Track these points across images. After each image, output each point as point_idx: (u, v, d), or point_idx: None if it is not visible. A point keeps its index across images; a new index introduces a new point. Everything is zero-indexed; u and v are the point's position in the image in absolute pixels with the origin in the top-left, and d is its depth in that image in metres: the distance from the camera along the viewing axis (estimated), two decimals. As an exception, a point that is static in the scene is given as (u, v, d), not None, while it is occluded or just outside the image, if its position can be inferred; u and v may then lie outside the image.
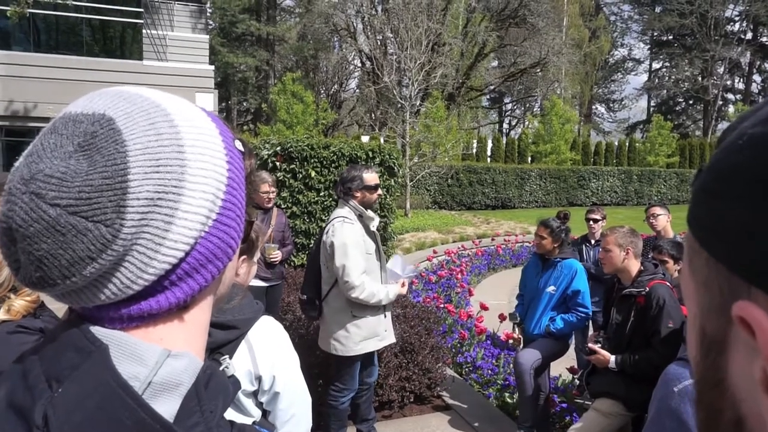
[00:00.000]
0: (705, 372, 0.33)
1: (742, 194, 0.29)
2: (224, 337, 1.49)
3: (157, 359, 0.49)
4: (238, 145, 0.60)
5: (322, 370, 3.69)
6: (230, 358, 1.52)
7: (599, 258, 3.35)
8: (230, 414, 1.55)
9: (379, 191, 3.35)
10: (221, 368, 1.54)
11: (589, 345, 3.13)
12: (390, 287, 3.28)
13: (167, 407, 0.47)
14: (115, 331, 0.50)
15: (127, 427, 0.45)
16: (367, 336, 3.25)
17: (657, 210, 4.74)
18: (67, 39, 12.65)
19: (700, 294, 0.33)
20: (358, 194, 3.28)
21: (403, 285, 3.37)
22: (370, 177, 3.29)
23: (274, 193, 4.62)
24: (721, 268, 0.30)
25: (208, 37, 14.71)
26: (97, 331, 0.50)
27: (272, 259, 4.49)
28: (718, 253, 0.31)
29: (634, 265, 3.15)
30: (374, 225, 3.35)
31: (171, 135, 0.50)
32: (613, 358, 3.03)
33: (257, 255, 1.72)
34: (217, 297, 0.61)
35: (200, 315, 0.56)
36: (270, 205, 4.55)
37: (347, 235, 3.14)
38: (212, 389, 0.52)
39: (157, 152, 0.48)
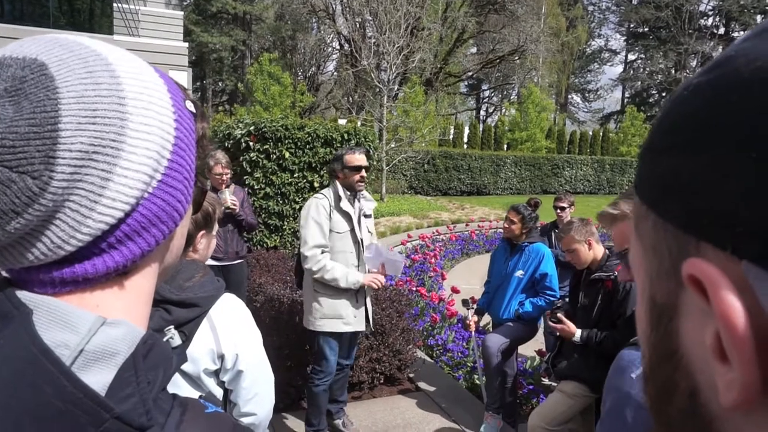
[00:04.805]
0: (656, 343, 0.31)
1: (690, 144, 0.27)
2: (185, 315, 1.45)
3: (90, 326, 0.45)
4: (189, 105, 0.56)
5: (292, 350, 3.68)
6: (192, 336, 1.49)
7: (567, 260, 3.40)
8: (190, 392, 1.52)
9: (363, 173, 3.31)
10: (165, 339, 1.50)
11: (558, 315, 3.19)
12: (352, 272, 3.25)
13: (100, 377, 0.44)
14: (44, 296, 0.46)
15: (47, 396, 0.42)
16: (328, 315, 3.27)
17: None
18: (32, 10, 12.14)
19: (647, 260, 0.32)
20: (340, 175, 3.31)
21: (375, 279, 3.28)
22: (351, 158, 3.30)
23: (228, 175, 4.41)
24: (669, 227, 0.29)
25: (182, 13, 14.27)
26: (23, 295, 0.46)
27: (232, 205, 4.33)
28: (664, 211, 0.29)
29: (600, 250, 3.21)
30: (351, 207, 3.31)
31: (111, 85, 0.46)
32: (578, 332, 3.09)
33: (215, 228, 1.67)
34: (165, 266, 0.57)
35: (143, 282, 0.53)
36: (225, 187, 4.39)
37: (311, 209, 3.25)
38: (152, 360, 0.48)
39: (93, 102, 0.44)
